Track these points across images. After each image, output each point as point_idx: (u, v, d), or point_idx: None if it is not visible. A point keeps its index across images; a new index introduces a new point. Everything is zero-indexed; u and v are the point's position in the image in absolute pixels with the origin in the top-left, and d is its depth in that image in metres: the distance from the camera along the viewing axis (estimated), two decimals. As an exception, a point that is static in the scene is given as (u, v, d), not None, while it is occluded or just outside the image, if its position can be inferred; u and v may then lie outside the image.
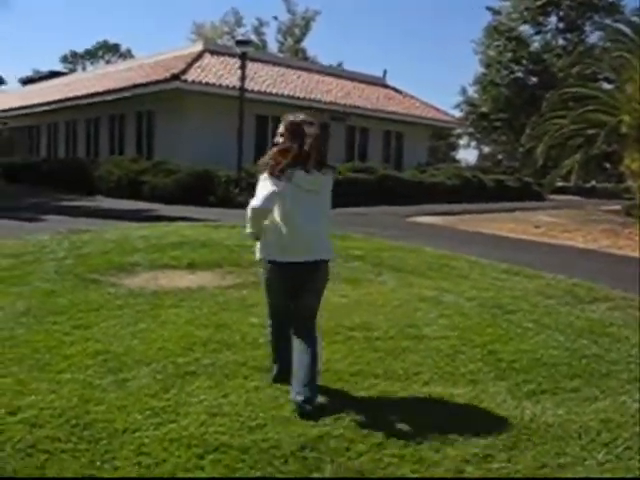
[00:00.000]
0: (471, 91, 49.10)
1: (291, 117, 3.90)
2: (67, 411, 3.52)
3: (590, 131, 18.95)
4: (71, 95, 26.85)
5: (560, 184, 26.56)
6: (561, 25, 45.03)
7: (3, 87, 62.23)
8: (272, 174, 3.72)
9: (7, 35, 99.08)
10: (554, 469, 3.17)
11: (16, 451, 3.10)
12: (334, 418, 3.55)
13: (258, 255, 3.95)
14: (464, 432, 3.45)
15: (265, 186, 3.72)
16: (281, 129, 3.91)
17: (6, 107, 33.39)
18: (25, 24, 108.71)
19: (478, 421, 3.64)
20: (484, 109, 46.16)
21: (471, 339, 5.22)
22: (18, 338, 4.77)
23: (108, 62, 65.22)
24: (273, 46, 55.59)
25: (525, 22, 44.58)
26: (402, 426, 3.52)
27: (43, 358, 4.34)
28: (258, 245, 3.94)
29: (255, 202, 3.71)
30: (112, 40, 72.58)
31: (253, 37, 51.76)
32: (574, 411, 3.84)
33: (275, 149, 3.84)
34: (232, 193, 17.83)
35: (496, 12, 45.67)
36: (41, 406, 3.57)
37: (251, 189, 14.59)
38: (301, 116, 3.91)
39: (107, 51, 72.45)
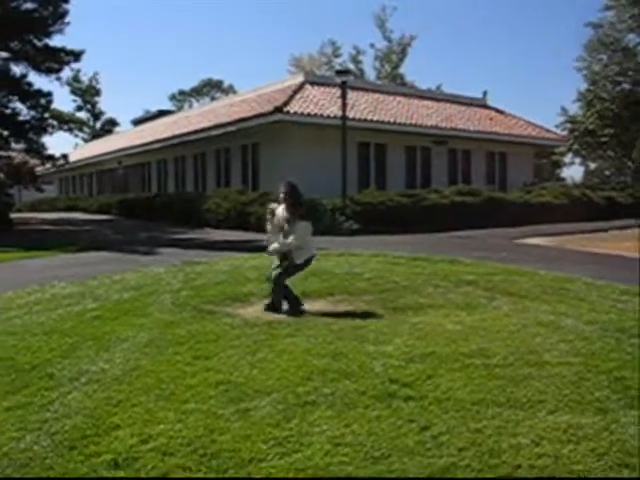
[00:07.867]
0: (574, 108, 47.69)
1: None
2: (194, 440, 3.61)
3: None
4: (179, 132, 28.00)
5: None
6: (670, 30, 43.07)
7: (117, 128, 66.08)
8: None
9: (120, 80, 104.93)
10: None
11: (151, 479, 3.20)
12: (459, 448, 3.47)
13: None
14: (598, 465, 3.29)
15: None
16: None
17: (120, 147, 35.28)
18: (135, 68, 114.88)
19: (612, 454, 3.46)
20: (589, 126, 44.58)
21: (595, 365, 5.00)
22: (143, 368, 4.97)
23: (213, 98, 67.67)
24: (371, 73, 56.22)
25: (631, 31, 42.90)
26: (531, 457, 3.39)
27: (168, 388, 4.49)
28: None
29: None
30: (215, 77, 75.73)
31: (351, 66, 52.55)
32: None
33: None
34: (338, 221, 17.94)
35: (597, 26, 44.21)
36: (170, 435, 3.68)
37: (357, 217, 14.66)
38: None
39: (211, 88, 75.30)
